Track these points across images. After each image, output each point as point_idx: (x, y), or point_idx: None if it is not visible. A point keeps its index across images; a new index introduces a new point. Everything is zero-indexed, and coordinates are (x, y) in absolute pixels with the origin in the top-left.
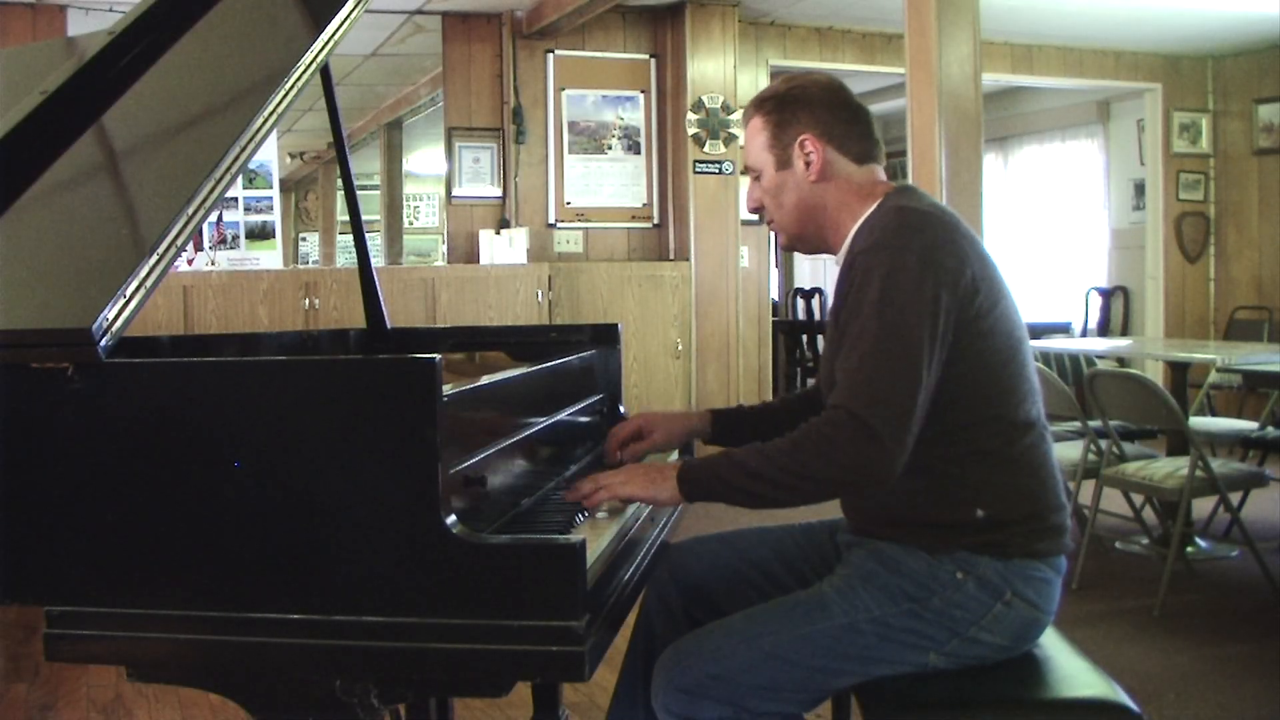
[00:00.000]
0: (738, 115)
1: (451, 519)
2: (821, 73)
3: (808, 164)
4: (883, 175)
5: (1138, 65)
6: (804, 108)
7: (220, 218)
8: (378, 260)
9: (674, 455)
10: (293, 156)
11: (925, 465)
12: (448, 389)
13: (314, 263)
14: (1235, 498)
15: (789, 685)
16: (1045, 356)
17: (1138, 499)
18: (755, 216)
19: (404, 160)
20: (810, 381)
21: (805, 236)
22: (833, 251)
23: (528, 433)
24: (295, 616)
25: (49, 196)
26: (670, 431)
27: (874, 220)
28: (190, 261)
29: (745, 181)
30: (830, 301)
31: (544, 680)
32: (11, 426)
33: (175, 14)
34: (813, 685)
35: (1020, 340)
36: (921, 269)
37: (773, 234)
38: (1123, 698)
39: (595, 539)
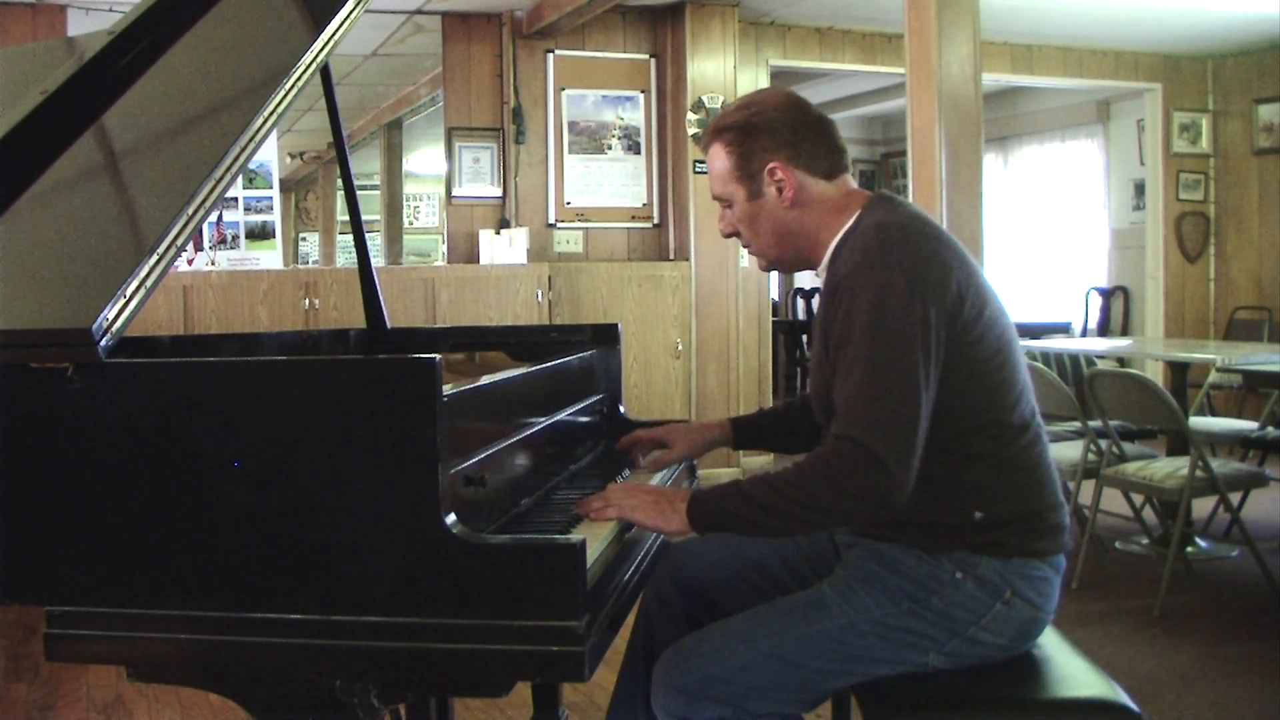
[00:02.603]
0: None
1: (451, 519)
2: (778, 89)
3: (780, 190)
4: (854, 183)
5: (1138, 65)
6: (767, 134)
7: (220, 218)
8: (378, 260)
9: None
10: (293, 156)
11: (922, 471)
12: (448, 389)
13: (314, 263)
14: (1235, 498)
15: (789, 686)
16: (1045, 356)
17: (1138, 499)
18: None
19: (404, 160)
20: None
21: (785, 259)
22: (814, 267)
23: (528, 433)
24: (295, 616)
25: (49, 196)
26: (691, 444)
27: (854, 239)
28: (190, 261)
29: None
30: (817, 311)
31: (544, 680)
32: (11, 426)
33: (175, 14)
34: (812, 686)
35: (1010, 342)
36: (909, 287)
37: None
38: (1123, 698)
39: (595, 539)
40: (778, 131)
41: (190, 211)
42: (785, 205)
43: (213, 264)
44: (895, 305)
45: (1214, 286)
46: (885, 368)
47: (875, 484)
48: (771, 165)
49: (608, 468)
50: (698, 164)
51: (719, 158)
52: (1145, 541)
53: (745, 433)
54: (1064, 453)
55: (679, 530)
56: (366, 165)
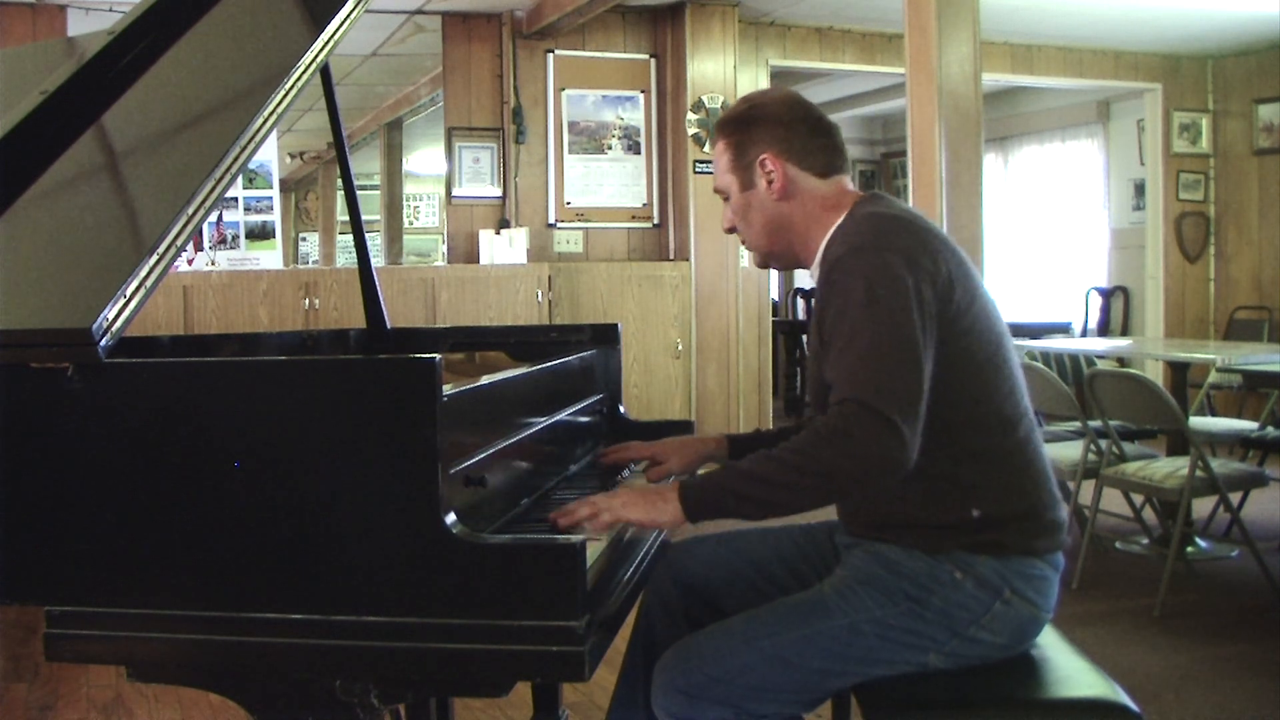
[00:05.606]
0: None
1: (451, 519)
2: (781, 88)
3: (770, 182)
4: (850, 185)
5: (1138, 65)
6: (761, 127)
7: (220, 218)
8: (378, 260)
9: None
10: (293, 156)
11: (919, 468)
12: (448, 389)
13: (314, 263)
14: (1235, 498)
15: (789, 686)
16: (1045, 357)
17: (1138, 499)
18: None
19: (404, 160)
20: None
21: (776, 253)
22: (805, 265)
23: (528, 433)
24: (295, 616)
25: (49, 196)
26: (685, 458)
27: (847, 228)
28: (190, 261)
29: None
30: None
31: (544, 680)
32: (11, 426)
33: (175, 14)
34: (813, 686)
35: (1000, 335)
36: (903, 265)
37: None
38: (1123, 698)
39: (595, 539)
40: (772, 125)
41: (190, 211)
42: (774, 197)
43: (213, 264)
44: (891, 281)
45: (1214, 286)
46: (885, 335)
47: (884, 444)
48: (763, 157)
49: (606, 469)
50: (698, 164)
51: (720, 151)
52: (1145, 541)
53: (741, 449)
54: (1064, 453)
55: (673, 521)
56: (366, 165)
